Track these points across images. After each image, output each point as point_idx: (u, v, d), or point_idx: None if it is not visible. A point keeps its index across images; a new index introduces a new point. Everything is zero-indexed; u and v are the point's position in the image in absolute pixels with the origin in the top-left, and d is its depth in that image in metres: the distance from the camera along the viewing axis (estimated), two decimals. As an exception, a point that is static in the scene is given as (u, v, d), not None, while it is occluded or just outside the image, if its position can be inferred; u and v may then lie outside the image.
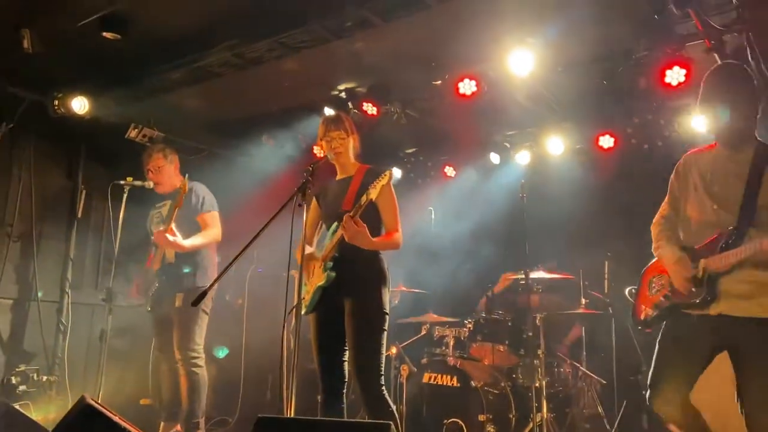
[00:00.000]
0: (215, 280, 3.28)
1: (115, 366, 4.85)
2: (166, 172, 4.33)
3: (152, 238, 4.28)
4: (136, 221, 4.42)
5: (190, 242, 4.07)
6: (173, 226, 3.98)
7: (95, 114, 4.85)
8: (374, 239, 3.03)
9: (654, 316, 2.76)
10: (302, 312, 3.22)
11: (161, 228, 4.05)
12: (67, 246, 5.29)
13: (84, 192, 5.35)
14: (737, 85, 2.58)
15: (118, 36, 3.99)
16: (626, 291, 3.23)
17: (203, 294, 3.04)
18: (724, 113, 2.54)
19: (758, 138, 2.62)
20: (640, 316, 2.85)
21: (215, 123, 5.73)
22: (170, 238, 3.95)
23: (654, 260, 2.91)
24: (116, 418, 2.39)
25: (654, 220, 2.92)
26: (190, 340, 4.05)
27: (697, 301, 2.55)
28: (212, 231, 4.22)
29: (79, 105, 4.72)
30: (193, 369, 4.05)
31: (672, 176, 2.85)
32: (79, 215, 5.33)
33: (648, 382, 2.70)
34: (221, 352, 5.62)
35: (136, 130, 5.14)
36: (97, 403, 2.44)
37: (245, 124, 5.66)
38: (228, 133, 5.87)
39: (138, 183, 4.32)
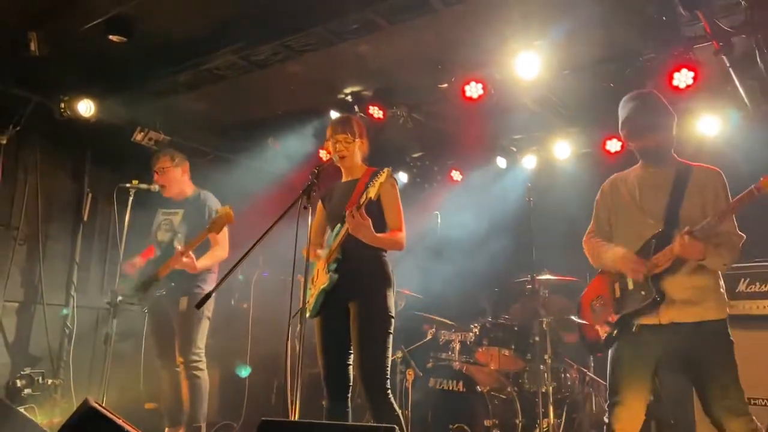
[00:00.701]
0: (219, 283, 3.27)
1: (120, 369, 4.84)
2: (172, 175, 4.32)
3: (155, 243, 4.28)
4: (141, 225, 4.41)
5: (201, 265, 4.07)
6: (191, 251, 3.98)
7: (101, 117, 4.86)
8: (378, 234, 3.01)
9: (610, 333, 2.81)
10: (307, 316, 3.20)
11: (172, 241, 4.08)
12: (73, 249, 5.29)
13: (90, 195, 5.35)
14: (659, 113, 2.82)
15: (124, 39, 4.00)
16: (572, 317, 3.26)
17: (207, 296, 3.02)
18: (649, 137, 2.79)
19: (676, 156, 2.87)
20: (597, 338, 2.88)
21: (221, 126, 5.73)
22: (185, 260, 3.96)
23: (586, 288, 3.05)
24: (120, 422, 2.37)
25: (584, 240, 3.07)
26: (192, 343, 4.04)
27: (648, 303, 2.66)
28: (220, 249, 4.21)
29: (85, 108, 4.73)
30: (195, 373, 4.04)
31: (598, 198, 3.07)
32: (85, 218, 5.32)
33: (608, 396, 2.79)
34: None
35: (142, 133, 5.14)
36: (101, 406, 2.42)
37: (251, 127, 5.66)
38: (234, 136, 5.88)
39: (144, 186, 4.32)
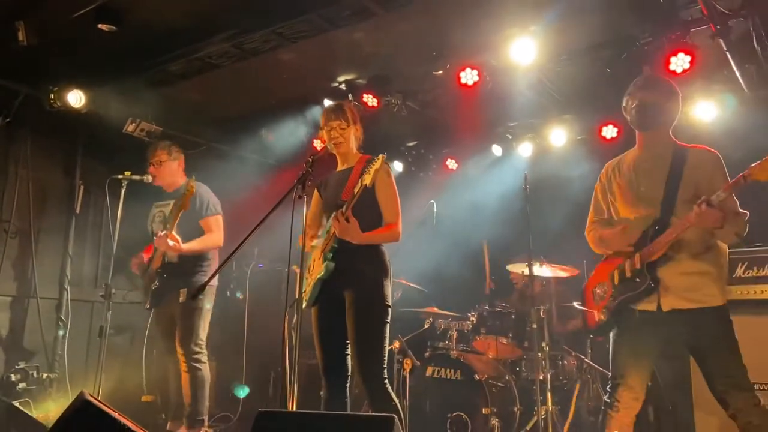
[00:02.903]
0: (215, 273, 3.26)
1: (115, 363, 4.82)
2: (167, 168, 4.30)
3: (153, 238, 4.24)
4: (134, 216, 4.38)
5: (188, 246, 4.03)
6: (174, 232, 3.95)
7: (92, 108, 4.81)
8: (366, 233, 2.99)
9: (606, 320, 2.87)
10: (303, 306, 3.18)
11: (162, 230, 4.02)
12: (66, 242, 5.25)
13: (82, 187, 5.30)
14: (666, 95, 2.83)
15: (114, 27, 3.95)
16: (574, 304, 3.31)
17: (203, 286, 3.00)
18: (652, 120, 2.81)
19: (673, 138, 2.87)
20: (593, 323, 2.96)
21: (214, 117, 5.67)
22: (170, 242, 3.93)
23: (592, 274, 3.08)
24: (115, 415, 2.34)
25: (586, 231, 3.10)
26: (192, 334, 4.02)
27: (642, 289, 2.70)
28: (214, 236, 4.18)
29: (75, 98, 4.68)
30: (196, 365, 4.02)
31: (597, 186, 3.08)
32: (78, 211, 5.28)
33: (610, 377, 2.83)
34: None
35: (134, 124, 5.09)
36: (96, 400, 2.39)
37: (244, 117, 5.61)
38: (227, 127, 5.82)
39: (136, 177, 4.29)
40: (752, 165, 2.46)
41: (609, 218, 3.00)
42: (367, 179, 2.87)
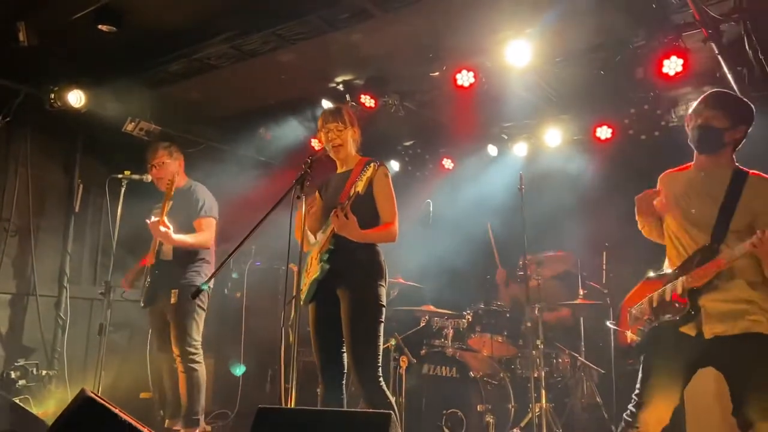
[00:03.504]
0: (213, 275, 3.28)
1: (114, 360, 4.86)
2: (169, 169, 4.30)
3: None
4: (133, 215, 4.40)
5: (178, 237, 4.04)
6: (165, 219, 3.98)
7: (92, 107, 4.83)
8: (365, 231, 3.02)
9: (640, 342, 2.78)
10: (301, 304, 3.22)
11: (154, 219, 4.05)
12: (65, 240, 5.27)
13: (81, 186, 5.32)
14: (744, 117, 2.63)
15: (114, 28, 3.98)
16: (607, 323, 3.23)
17: (199, 290, 3.02)
18: (714, 145, 2.64)
19: (735, 163, 2.69)
20: (626, 342, 2.86)
21: (212, 116, 5.71)
22: (162, 229, 3.95)
23: (630, 292, 2.96)
24: (117, 411, 2.38)
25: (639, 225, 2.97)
26: (186, 335, 4.04)
27: (682, 315, 2.58)
28: (203, 235, 4.18)
29: (76, 98, 4.70)
30: (191, 365, 4.05)
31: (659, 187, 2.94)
32: (77, 209, 5.30)
33: (637, 399, 2.68)
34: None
35: (133, 123, 5.12)
36: (98, 396, 2.43)
37: (242, 117, 5.64)
38: (225, 126, 5.86)
39: (136, 177, 4.32)
40: None
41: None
42: (360, 187, 2.91)
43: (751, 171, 2.64)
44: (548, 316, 5.14)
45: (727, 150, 2.66)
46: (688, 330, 2.58)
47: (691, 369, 2.64)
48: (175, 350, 4.05)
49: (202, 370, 4.10)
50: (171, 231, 3.98)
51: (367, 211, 3.07)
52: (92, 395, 2.40)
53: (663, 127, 5.13)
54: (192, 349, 4.06)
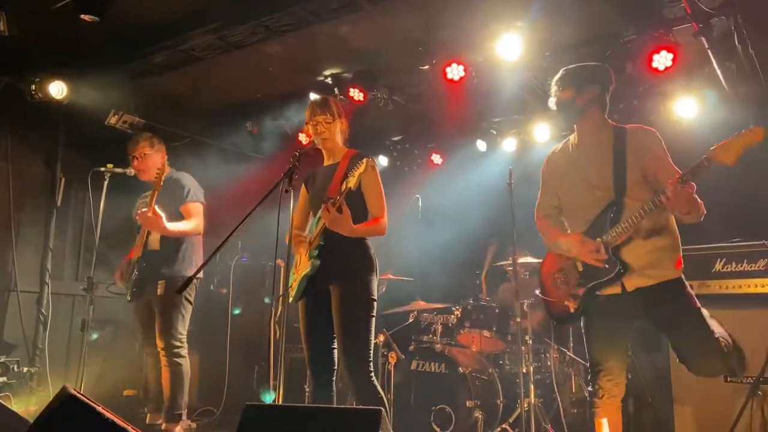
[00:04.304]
0: (200, 267, 3.23)
1: (97, 357, 4.78)
2: (151, 160, 4.23)
3: (138, 223, 4.19)
4: (117, 209, 4.34)
5: (172, 226, 3.98)
6: (156, 207, 3.91)
7: (74, 99, 4.75)
8: (356, 226, 2.98)
9: (578, 307, 2.85)
10: (290, 300, 3.18)
11: (144, 209, 3.97)
12: (47, 235, 5.18)
13: (63, 180, 5.23)
14: (589, 78, 2.90)
15: (96, 18, 3.88)
16: (536, 292, 3.26)
17: (188, 281, 2.97)
18: (581, 108, 2.86)
19: (609, 120, 2.92)
20: (566, 311, 2.92)
21: (197, 109, 5.63)
22: (149, 215, 3.88)
23: (543, 260, 3.10)
24: (99, 409, 2.33)
25: (537, 218, 3.12)
26: (172, 328, 3.98)
27: (612, 275, 2.71)
28: (194, 221, 4.12)
29: (57, 90, 4.62)
30: (176, 359, 3.99)
31: (543, 171, 3.10)
32: (59, 203, 5.22)
33: (589, 366, 2.85)
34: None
35: (116, 116, 5.04)
36: (80, 394, 2.37)
37: (228, 110, 5.58)
38: (211, 119, 5.78)
39: (119, 170, 4.23)
40: (712, 148, 2.48)
41: (558, 205, 3.04)
42: (352, 182, 2.87)
43: (628, 125, 2.88)
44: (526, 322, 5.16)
45: (592, 112, 2.88)
46: (613, 289, 2.75)
47: (627, 325, 2.81)
48: (160, 343, 3.98)
49: (186, 364, 4.03)
50: (163, 218, 3.92)
51: (356, 205, 3.03)
52: (74, 393, 2.34)
53: (653, 122, 5.12)
54: (177, 343, 4.00)
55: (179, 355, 4.00)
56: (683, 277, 2.76)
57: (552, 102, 2.97)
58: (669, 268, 2.72)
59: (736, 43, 3.81)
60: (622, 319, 2.78)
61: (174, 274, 4.04)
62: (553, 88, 2.95)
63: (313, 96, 5.00)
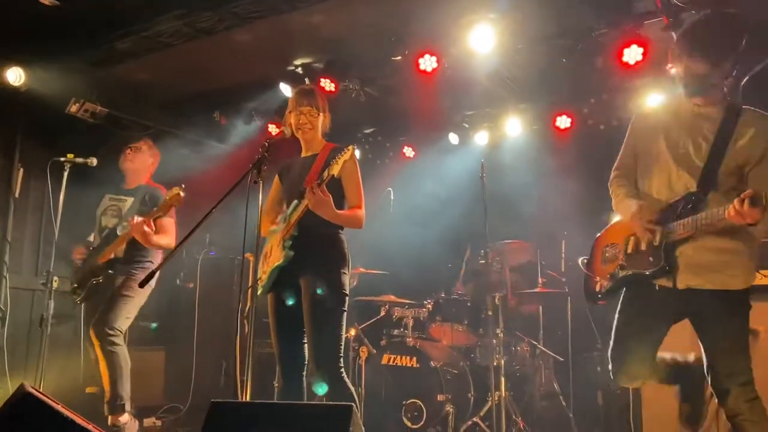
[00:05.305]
0: (165, 260, 3.15)
1: (58, 353, 4.62)
2: (142, 159, 4.20)
3: (102, 230, 4.10)
4: (78, 201, 4.20)
5: (155, 241, 3.92)
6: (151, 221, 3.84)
7: (33, 86, 4.58)
8: (338, 211, 2.94)
9: (609, 287, 2.65)
10: (258, 293, 3.11)
11: (117, 225, 3.92)
12: (4, 227, 4.99)
13: (22, 170, 5.05)
14: (726, 38, 2.36)
15: (57, 2, 3.75)
16: (579, 261, 3.02)
17: (151, 274, 2.88)
18: (702, 66, 2.34)
19: (728, 98, 2.48)
20: (595, 287, 2.74)
21: (164, 99, 5.48)
22: (146, 229, 3.81)
23: (606, 228, 2.83)
24: (58, 407, 2.23)
25: (610, 180, 2.78)
26: (109, 320, 3.85)
27: (655, 270, 2.45)
28: (170, 237, 4.06)
29: (15, 76, 4.47)
30: (110, 348, 3.84)
31: (629, 130, 2.71)
32: (17, 194, 5.03)
33: (610, 357, 2.61)
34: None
35: (78, 104, 4.87)
36: (38, 392, 2.28)
37: (196, 100, 5.45)
38: (177, 109, 5.63)
39: (80, 160, 4.09)
40: None
41: (633, 166, 2.68)
42: (335, 170, 2.82)
43: (746, 106, 2.43)
44: (525, 309, 5.19)
45: (717, 90, 2.43)
46: (663, 282, 2.46)
47: (667, 322, 2.54)
48: (92, 332, 3.86)
49: (122, 352, 3.89)
50: (154, 232, 3.87)
51: (333, 196, 2.97)
52: (32, 390, 2.25)
53: (622, 117, 5.17)
54: (111, 331, 3.85)
55: (113, 343, 3.85)
56: (749, 294, 2.40)
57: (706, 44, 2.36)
58: (734, 276, 2.36)
59: (705, 38, 3.84)
60: (662, 315, 2.51)
61: (131, 275, 4.01)
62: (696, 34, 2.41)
63: (284, 86, 4.92)
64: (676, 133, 2.51)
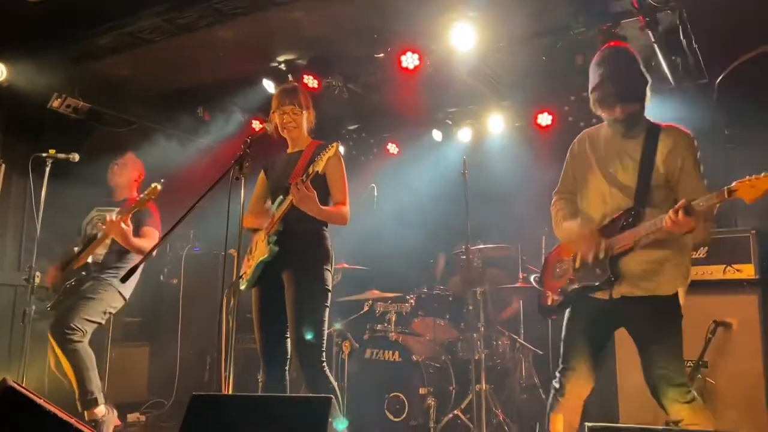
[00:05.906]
0: (146, 256, 3.15)
1: (41, 349, 4.60)
2: (126, 176, 4.26)
3: (84, 237, 4.12)
4: (59, 197, 4.18)
5: (136, 240, 3.93)
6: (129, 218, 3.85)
7: (14, 81, 4.54)
8: (323, 207, 2.98)
9: (560, 301, 2.79)
10: (242, 288, 3.14)
11: (116, 216, 3.88)
12: (-15, 224, 4.96)
13: (3, 166, 4.98)
14: (628, 69, 2.62)
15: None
16: (531, 278, 3.19)
17: (132, 270, 2.90)
18: (618, 96, 2.57)
19: (648, 118, 2.67)
20: (547, 302, 2.88)
21: (147, 94, 5.46)
22: (123, 226, 3.82)
23: (556, 246, 2.97)
24: (41, 401, 2.25)
25: (552, 203, 2.95)
26: (67, 320, 3.82)
27: (602, 282, 2.60)
28: (151, 243, 4.04)
29: (-5, 71, 4.41)
30: (69, 346, 3.79)
31: (567, 157, 2.88)
32: (-2, 190, 4.99)
33: (561, 362, 2.75)
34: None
35: (60, 99, 4.84)
36: (21, 387, 2.29)
37: (179, 95, 5.43)
38: (160, 105, 5.61)
39: (62, 156, 4.07)
40: (739, 181, 2.26)
41: (573, 190, 2.84)
42: (320, 166, 2.85)
43: (663, 123, 2.63)
44: (505, 313, 5.24)
45: (641, 118, 2.64)
46: (602, 294, 2.63)
47: (608, 331, 2.74)
48: (51, 334, 3.82)
49: (82, 348, 3.83)
50: (131, 231, 3.88)
51: (318, 192, 3.00)
52: (14, 385, 2.26)
53: (599, 116, 5.23)
54: (68, 330, 3.80)
55: (72, 341, 3.80)
56: (680, 297, 2.56)
57: (613, 93, 2.61)
58: (664, 283, 2.54)
59: (681, 37, 3.92)
60: (603, 325, 2.69)
61: (104, 276, 4.01)
62: (602, 69, 2.63)
63: (267, 83, 4.92)
64: (605, 154, 2.70)
